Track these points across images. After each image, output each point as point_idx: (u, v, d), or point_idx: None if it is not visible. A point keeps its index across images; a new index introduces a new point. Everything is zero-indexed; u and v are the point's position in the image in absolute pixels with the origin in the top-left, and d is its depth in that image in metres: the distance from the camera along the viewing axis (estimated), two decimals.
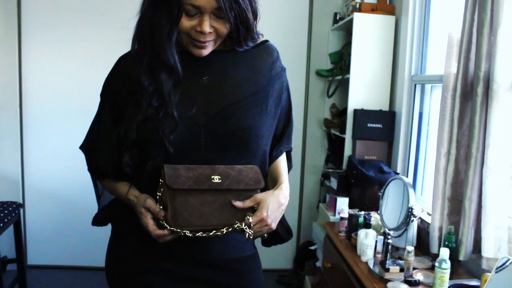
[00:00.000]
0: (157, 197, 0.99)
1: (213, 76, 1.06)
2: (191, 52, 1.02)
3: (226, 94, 1.05)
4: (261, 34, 1.13)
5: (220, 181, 0.98)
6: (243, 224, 0.97)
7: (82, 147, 1.16)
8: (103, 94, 1.12)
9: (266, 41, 1.16)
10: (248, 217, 0.98)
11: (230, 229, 0.97)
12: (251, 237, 0.98)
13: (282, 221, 1.16)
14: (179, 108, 1.01)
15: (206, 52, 1.02)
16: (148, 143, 1.01)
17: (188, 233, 0.95)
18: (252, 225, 0.98)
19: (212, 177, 0.98)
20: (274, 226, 1.03)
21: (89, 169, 1.16)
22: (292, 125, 1.25)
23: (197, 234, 0.96)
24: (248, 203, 1.00)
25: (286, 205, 1.07)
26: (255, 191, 1.02)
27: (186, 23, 0.97)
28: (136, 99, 1.01)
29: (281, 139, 1.20)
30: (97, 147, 1.11)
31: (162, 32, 0.97)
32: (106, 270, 1.16)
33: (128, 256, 1.10)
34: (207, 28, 0.97)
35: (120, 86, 1.06)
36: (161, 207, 0.98)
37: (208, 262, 1.07)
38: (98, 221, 1.21)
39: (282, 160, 1.19)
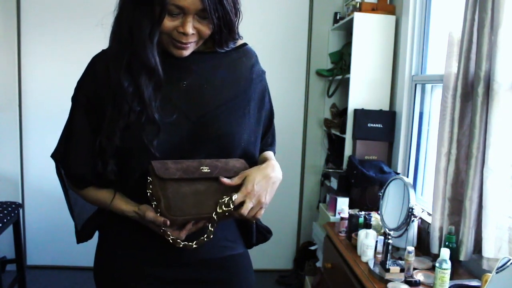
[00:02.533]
0: (148, 194, 0.96)
1: (192, 81, 1.03)
2: (171, 53, 0.99)
3: (206, 99, 1.02)
4: (241, 36, 1.10)
5: (209, 170, 0.97)
6: (226, 201, 0.94)
7: (54, 156, 1.07)
8: (76, 98, 1.05)
9: (245, 44, 1.13)
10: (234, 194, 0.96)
11: (219, 210, 0.94)
12: (236, 214, 0.96)
13: (259, 224, 1.17)
14: (160, 113, 0.98)
15: (186, 53, 0.99)
16: (132, 150, 0.98)
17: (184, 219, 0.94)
18: (236, 201, 0.95)
19: (201, 167, 0.97)
20: (265, 199, 0.98)
21: (67, 178, 1.08)
22: (274, 128, 1.23)
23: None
24: (236, 180, 0.97)
25: (277, 179, 1.03)
26: None
27: (168, 23, 0.93)
28: (116, 102, 0.97)
29: (261, 143, 1.17)
30: (75, 155, 1.04)
31: (143, 32, 0.93)
32: (95, 276, 1.15)
33: (116, 262, 1.08)
34: (190, 29, 0.94)
35: (97, 87, 1.00)
36: (154, 203, 0.95)
37: (197, 263, 1.06)
38: (83, 236, 1.16)
39: (266, 152, 1.17)
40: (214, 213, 0.95)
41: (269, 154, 1.16)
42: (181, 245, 0.96)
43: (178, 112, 1.00)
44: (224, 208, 0.95)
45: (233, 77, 1.07)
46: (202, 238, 0.97)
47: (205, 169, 0.97)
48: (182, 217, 0.94)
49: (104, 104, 0.99)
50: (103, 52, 1.04)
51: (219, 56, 1.07)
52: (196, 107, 1.01)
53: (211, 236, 0.96)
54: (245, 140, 1.06)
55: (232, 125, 1.03)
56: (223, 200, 0.95)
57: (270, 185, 1.00)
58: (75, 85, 1.06)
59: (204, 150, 1.01)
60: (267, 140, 1.20)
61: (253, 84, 1.09)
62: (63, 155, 1.06)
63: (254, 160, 1.10)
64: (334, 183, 2.72)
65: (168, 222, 0.92)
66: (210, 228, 0.96)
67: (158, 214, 0.94)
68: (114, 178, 1.00)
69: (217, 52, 1.06)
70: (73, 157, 1.04)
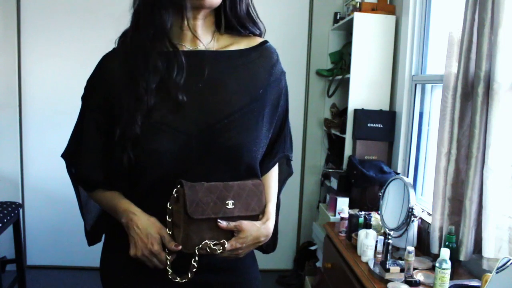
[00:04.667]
0: (168, 209, 0.95)
1: (207, 84, 0.99)
2: (190, 5, 0.95)
3: (220, 105, 0.98)
4: (261, 22, 1.06)
5: (233, 206, 0.97)
6: (213, 244, 0.95)
7: (64, 156, 1.08)
8: (85, 97, 1.04)
9: (266, 41, 1.09)
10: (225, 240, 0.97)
11: (208, 250, 0.95)
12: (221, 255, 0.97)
13: (274, 234, 1.14)
14: (170, 117, 0.95)
15: (206, 2, 0.95)
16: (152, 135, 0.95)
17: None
18: (225, 250, 0.96)
19: (227, 202, 0.96)
20: (242, 256, 1.02)
21: (78, 180, 1.08)
22: (288, 130, 1.18)
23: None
24: (231, 226, 0.97)
25: (265, 240, 1.03)
26: (256, 217, 1.02)
27: None
28: (132, 89, 0.95)
29: (274, 147, 1.13)
30: (86, 157, 1.03)
31: None
32: (101, 276, 1.13)
33: (122, 263, 1.05)
34: None
35: (108, 86, 0.99)
36: (169, 220, 0.95)
37: (202, 267, 1.01)
38: (94, 237, 1.15)
39: (272, 177, 1.13)
40: (197, 250, 0.95)
41: (271, 188, 1.10)
42: (169, 276, 0.96)
43: (189, 118, 0.96)
44: (208, 251, 0.95)
45: (250, 80, 1.02)
46: (187, 276, 0.97)
47: (230, 204, 0.96)
48: (191, 251, 0.94)
49: (118, 98, 0.97)
50: (113, 50, 1.04)
51: (236, 55, 1.03)
52: (208, 114, 0.97)
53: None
54: (255, 149, 1.02)
55: (243, 135, 0.99)
56: (212, 242, 0.95)
57: (254, 246, 1.03)
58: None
59: (212, 160, 0.98)
60: (280, 144, 1.14)
61: (269, 88, 1.04)
62: (73, 156, 1.06)
63: (257, 167, 1.06)
64: (334, 183, 2.72)
65: (176, 248, 0.93)
66: (194, 263, 0.96)
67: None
68: (128, 168, 0.97)
69: (234, 51, 1.03)
70: (84, 159, 1.04)
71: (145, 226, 0.96)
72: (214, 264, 1.04)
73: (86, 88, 1.04)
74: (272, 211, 1.06)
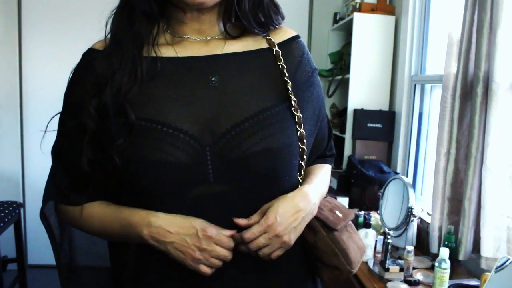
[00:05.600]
0: None
1: (224, 77, 0.80)
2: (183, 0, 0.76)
3: (240, 104, 0.78)
4: (281, 15, 0.88)
5: None
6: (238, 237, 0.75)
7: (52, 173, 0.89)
8: (68, 99, 0.88)
9: (296, 37, 0.90)
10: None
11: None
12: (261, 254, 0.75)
13: None
14: (174, 122, 0.75)
15: (207, 3, 0.76)
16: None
17: None
18: (246, 238, 0.73)
19: None
20: (288, 238, 0.75)
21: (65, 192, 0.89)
22: (327, 131, 0.97)
23: None
24: (255, 217, 0.75)
25: (310, 212, 0.80)
26: None
27: None
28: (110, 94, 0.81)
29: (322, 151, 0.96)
30: (73, 169, 0.84)
31: None
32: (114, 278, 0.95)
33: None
34: None
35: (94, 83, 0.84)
36: None
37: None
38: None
39: (318, 166, 0.93)
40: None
41: (314, 170, 0.90)
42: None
43: (200, 121, 0.76)
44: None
45: (277, 77, 0.83)
46: None
47: None
48: None
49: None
50: (100, 42, 0.93)
51: (247, 54, 0.85)
52: (225, 115, 0.77)
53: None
54: (291, 159, 0.80)
55: (271, 139, 0.77)
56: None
57: (300, 220, 0.77)
58: None
59: (233, 174, 0.76)
60: (329, 150, 0.98)
61: (303, 86, 0.86)
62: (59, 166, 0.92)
63: (296, 184, 0.84)
64: (334, 183, 2.73)
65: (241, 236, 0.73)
66: None
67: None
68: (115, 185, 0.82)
69: (247, 52, 0.84)
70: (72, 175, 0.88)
71: (178, 223, 0.73)
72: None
73: (69, 87, 0.94)
74: (312, 181, 0.85)
